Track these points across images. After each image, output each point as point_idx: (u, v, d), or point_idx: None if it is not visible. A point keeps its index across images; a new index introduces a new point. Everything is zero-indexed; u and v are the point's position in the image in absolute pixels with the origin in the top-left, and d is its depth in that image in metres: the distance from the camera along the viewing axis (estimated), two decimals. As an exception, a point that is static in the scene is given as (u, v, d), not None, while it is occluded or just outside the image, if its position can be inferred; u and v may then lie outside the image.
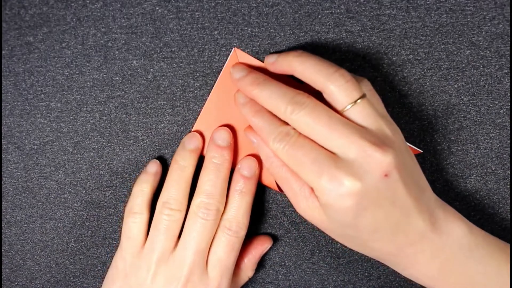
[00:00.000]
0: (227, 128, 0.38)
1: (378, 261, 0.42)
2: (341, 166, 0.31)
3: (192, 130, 0.39)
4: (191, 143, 0.38)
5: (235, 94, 0.36)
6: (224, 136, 0.37)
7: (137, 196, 0.38)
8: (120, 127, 0.39)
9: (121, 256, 0.38)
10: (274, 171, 0.34)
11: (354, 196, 0.31)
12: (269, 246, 0.41)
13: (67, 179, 0.40)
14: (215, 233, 0.37)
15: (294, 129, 0.32)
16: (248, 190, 0.38)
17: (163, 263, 0.36)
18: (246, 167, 0.38)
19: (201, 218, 0.36)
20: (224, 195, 0.37)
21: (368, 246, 0.34)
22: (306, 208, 0.33)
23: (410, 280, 0.42)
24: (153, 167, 0.38)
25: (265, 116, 0.34)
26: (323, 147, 0.32)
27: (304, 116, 0.31)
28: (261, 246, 0.41)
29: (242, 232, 0.37)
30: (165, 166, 0.40)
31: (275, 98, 0.33)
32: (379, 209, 0.31)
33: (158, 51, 0.38)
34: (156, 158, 0.40)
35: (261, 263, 0.42)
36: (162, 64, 0.38)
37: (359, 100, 0.32)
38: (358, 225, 0.32)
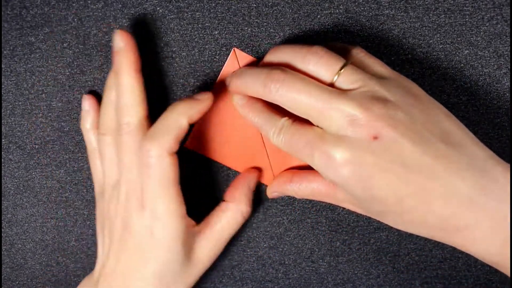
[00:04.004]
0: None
1: (377, 260, 0.42)
2: (328, 139, 0.30)
3: (193, 129, 0.39)
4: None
5: (233, 97, 0.36)
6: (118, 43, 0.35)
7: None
8: (121, 126, 0.40)
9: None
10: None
11: (347, 165, 0.29)
12: (256, 176, 0.38)
13: (68, 178, 0.40)
14: None
15: (288, 118, 0.32)
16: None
17: (112, 187, 0.36)
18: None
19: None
20: (142, 104, 0.35)
21: (408, 221, 0.30)
22: (338, 198, 0.34)
23: (409, 280, 0.42)
24: (85, 104, 0.38)
25: (262, 114, 0.34)
26: (316, 126, 0.31)
27: (283, 93, 0.31)
28: (247, 176, 0.38)
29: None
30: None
31: (251, 83, 0.32)
32: (388, 175, 0.29)
33: (159, 50, 0.38)
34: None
35: (260, 262, 0.42)
36: (163, 63, 0.39)
37: (342, 70, 0.30)
38: (376, 196, 0.29)
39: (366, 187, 0.29)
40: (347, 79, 0.30)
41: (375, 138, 0.29)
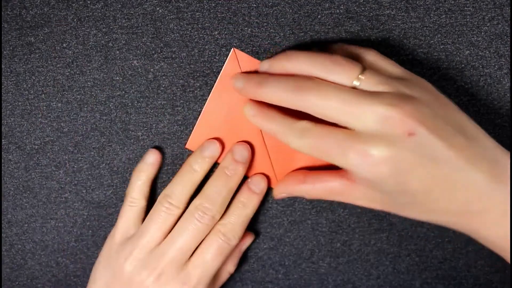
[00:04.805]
0: (248, 146, 0.38)
1: (377, 261, 0.42)
2: (363, 138, 0.30)
3: (194, 131, 0.39)
4: (208, 150, 0.38)
5: (244, 108, 0.36)
6: (243, 153, 0.38)
7: (135, 184, 0.39)
8: (121, 126, 0.40)
9: (112, 236, 0.39)
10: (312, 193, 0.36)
11: (386, 162, 0.30)
12: (251, 241, 0.41)
13: (68, 178, 0.40)
14: (208, 236, 0.37)
15: (308, 121, 0.32)
16: (252, 204, 0.38)
17: (146, 250, 0.37)
18: (256, 183, 0.38)
19: (196, 220, 0.36)
20: (225, 206, 0.37)
21: (431, 210, 0.32)
22: (359, 197, 0.34)
23: (409, 280, 0.42)
24: (151, 157, 0.39)
25: (277, 120, 0.34)
26: (342, 126, 0.31)
27: (312, 100, 0.31)
28: (242, 241, 0.40)
29: (234, 242, 0.37)
30: (163, 166, 0.40)
31: (279, 91, 0.33)
32: (421, 169, 0.30)
33: (159, 51, 0.38)
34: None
35: (260, 263, 0.42)
36: (162, 64, 0.39)
37: (362, 75, 0.32)
38: (408, 190, 0.31)
39: (400, 182, 0.31)
40: (369, 82, 0.32)
41: (410, 134, 0.30)
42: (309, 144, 0.32)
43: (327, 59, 0.32)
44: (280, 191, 0.38)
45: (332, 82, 0.32)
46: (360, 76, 0.32)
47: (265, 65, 0.35)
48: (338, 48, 0.35)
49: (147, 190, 0.39)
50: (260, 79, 0.34)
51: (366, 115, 0.30)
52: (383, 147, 0.30)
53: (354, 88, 0.32)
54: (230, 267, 0.40)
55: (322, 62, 0.32)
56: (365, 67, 0.32)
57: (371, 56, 0.34)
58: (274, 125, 0.34)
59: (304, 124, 0.32)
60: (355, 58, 0.34)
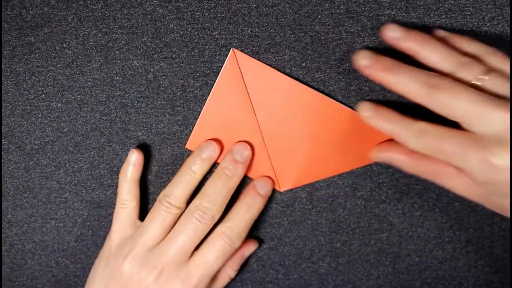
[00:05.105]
0: (248, 145, 0.38)
1: (377, 261, 0.42)
2: (486, 143, 0.31)
3: (194, 131, 0.39)
4: (206, 151, 0.38)
5: (358, 109, 0.35)
6: (243, 153, 0.38)
7: (122, 185, 0.39)
8: (121, 126, 0.40)
9: (109, 238, 0.39)
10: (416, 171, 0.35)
11: (507, 170, 0.30)
12: (254, 249, 0.41)
13: (68, 178, 0.40)
14: (210, 236, 0.37)
15: (426, 121, 0.33)
16: (257, 206, 0.38)
17: (146, 249, 0.37)
18: (262, 186, 0.39)
19: (196, 219, 0.36)
20: (224, 205, 0.37)
21: None
22: (460, 187, 0.34)
23: (409, 280, 0.42)
24: (132, 157, 0.39)
25: (397, 120, 0.34)
26: (463, 128, 0.32)
27: (442, 96, 0.32)
28: (245, 247, 0.41)
29: (237, 244, 0.37)
30: (162, 166, 0.40)
31: (411, 83, 0.33)
32: None
33: (159, 51, 0.38)
34: (156, 158, 0.40)
35: (260, 263, 0.42)
36: (162, 64, 0.39)
37: (485, 76, 0.32)
38: None
39: None
40: (493, 84, 0.32)
41: None
42: (428, 145, 0.32)
43: (457, 55, 0.33)
44: (382, 154, 0.37)
45: (459, 80, 0.32)
46: (484, 76, 0.32)
47: (396, 33, 0.35)
48: (462, 43, 0.35)
49: (136, 189, 0.39)
50: (392, 64, 0.34)
51: (492, 119, 0.31)
52: (508, 155, 0.30)
53: (478, 88, 0.32)
54: (231, 272, 0.40)
55: (453, 57, 0.33)
56: (491, 68, 0.32)
57: (495, 57, 0.34)
58: (393, 126, 0.34)
59: (423, 125, 0.33)
60: (479, 57, 0.34)
